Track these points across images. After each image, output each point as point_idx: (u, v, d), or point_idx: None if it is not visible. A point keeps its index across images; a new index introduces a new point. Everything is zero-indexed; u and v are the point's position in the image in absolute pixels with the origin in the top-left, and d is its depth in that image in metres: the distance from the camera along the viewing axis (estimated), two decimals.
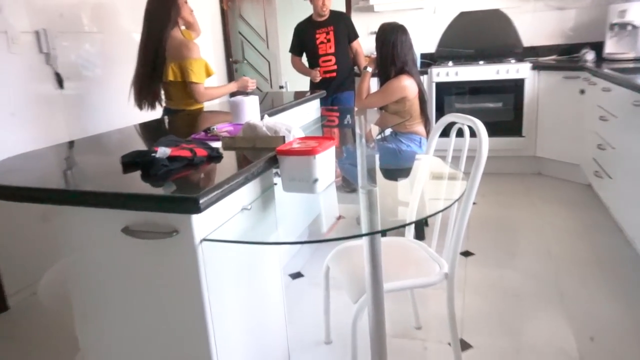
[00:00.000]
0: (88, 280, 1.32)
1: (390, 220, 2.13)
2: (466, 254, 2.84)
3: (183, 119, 2.56)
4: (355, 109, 3.29)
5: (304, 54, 3.99)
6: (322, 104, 3.45)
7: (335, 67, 3.84)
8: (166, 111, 2.82)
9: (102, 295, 1.32)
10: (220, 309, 1.24)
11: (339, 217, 1.85)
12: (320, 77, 3.87)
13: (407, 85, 2.83)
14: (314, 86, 3.93)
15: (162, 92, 2.80)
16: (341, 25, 3.81)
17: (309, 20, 3.94)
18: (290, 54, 4.05)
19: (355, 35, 3.91)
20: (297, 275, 2.73)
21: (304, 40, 3.90)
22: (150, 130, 2.25)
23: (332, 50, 3.81)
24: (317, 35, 3.83)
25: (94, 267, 1.30)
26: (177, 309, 1.23)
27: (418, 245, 1.95)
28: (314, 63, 3.91)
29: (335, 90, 3.47)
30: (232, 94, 2.82)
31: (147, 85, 2.70)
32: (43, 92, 2.77)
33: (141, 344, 1.31)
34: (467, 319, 2.20)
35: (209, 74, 2.77)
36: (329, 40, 3.81)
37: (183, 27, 2.83)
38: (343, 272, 1.79)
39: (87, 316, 1.36)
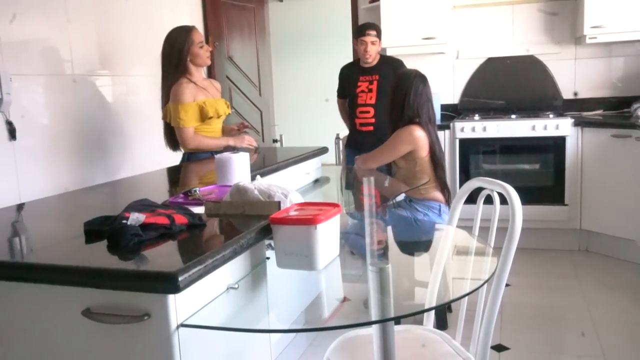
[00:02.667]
0: None
1: (405, 304, 2.14)
2: (499, 348, 2.81)
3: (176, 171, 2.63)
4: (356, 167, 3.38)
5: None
6: (349, 162, 3.65)
7: (373, 120, 3.95)
8: (185, 156, 3.15)
9: None
10: None
11: (344, 300, 1.86)
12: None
13: (418, 136, 2.91)
14: (350, 142, 4.15)
15: None
16: (389, 74, 3.86)
17: (354, 64, 4.16)
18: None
19: None
20: None
21: (346, 85, 4.13)
22: (122, 189, 2.30)
23: (373, 101, 3.95)
24: (360, 83, 4.01)
25: (44, 356, 1.30)
26: None
27: (439, 337, 1.94)
28: (351, 113, 4.10)
29: (371, 148, 3.55)
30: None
31: (168, 127, 3.13)
32: None
33: None
34: None
35: (206, 115, 3.00)
36: (370, 90, 3.96)
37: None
38: None
39: None
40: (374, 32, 3.93)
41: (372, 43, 3.91)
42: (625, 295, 3.45)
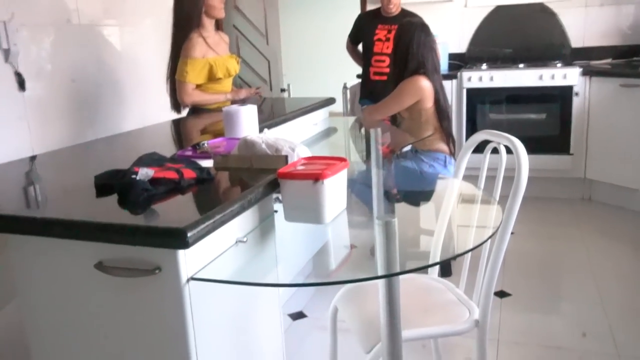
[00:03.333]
0: (52, 323, 1.34)
1: (410, 251, 2.15)
2: (501, 294, 2.84)
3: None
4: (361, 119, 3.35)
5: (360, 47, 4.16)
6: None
7: (387, 70, 3.91)
8: (191, 111, 3.08)
9: (68, 341, 1.34)
10: (208, 358, 1.26)
11: (351, 248, 1.86)
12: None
13: (423, 86, 2.86)
14: (363, 91, 4.10)
15: None
16: None
17: (375, 12, 4.09)
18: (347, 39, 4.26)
19: None
20: (298, 315, 2.75)
21: (363, 31, 4.07)
22: (131, 142, 2.29)
23: (389, 50, 3.89)
24: (377, 31, 3.96)
25: (59, 308, 1.32)
26: (157, 357, 1.25)
27: (443, 285, 1.96)
28: (366, 60, 4.06)
29: (384, 97, 3.54)
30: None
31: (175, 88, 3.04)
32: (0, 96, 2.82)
33: None
34: None
35: (215, 75, 2.94)
36: (387, 39, 3.90)
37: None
38: (354, 316, 1.80)
39: None
40: None
41: None
42: (626, 244, 3.45)
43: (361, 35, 4.10)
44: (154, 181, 1.39)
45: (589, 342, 2.41)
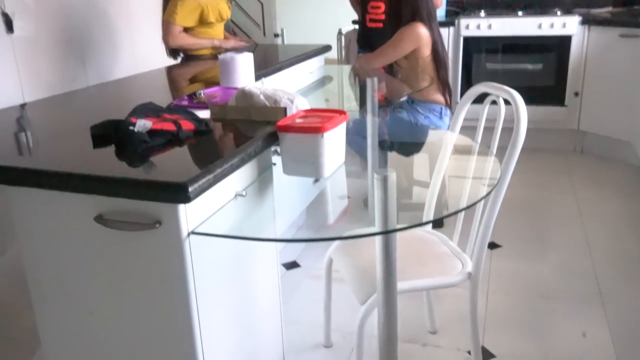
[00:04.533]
0: (52, 275, 1.35)
1: (405, 203, 2.17)
2: (491, 245, 2.89)
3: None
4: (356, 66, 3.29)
5: None
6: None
7: (383, 17, 3.81)
8: (184, 57, 3.04)
9: (68, 294, 1.36)
10: (207, 310, 1.28)
11: (347, 201, 1.88)
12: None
13: (421, 33, 2.82)
14: (360, 38, 4.00)
15: None
16: None
17: None
18: None
19: None
20: (292, 265, 2.79)
21: None
22: (125, 89, 2.26)
23: None
24: None
25: (59, 260, 1.33)
26: (158, 309, 1.27)
27: (437, 238, 1.99)
28: (362, 7, 3.94)
29: (380, 45, 3.47)
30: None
31: None
32: None
33: (115, 346, 1.36)
34: (490, 323, 2.27)
35: (206, 19, 2.88)
36: None
37: None
38: (349, 267, 1.83)
39: (48, 311, 1.40)
40: None
41: None
42: (615, 193, 3.50)
43: None
44: (151, 133, 1.38)
45: (575, 287, 2.48)
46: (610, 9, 4.44)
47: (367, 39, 3.88)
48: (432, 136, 2.85)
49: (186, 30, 2.88)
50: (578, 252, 2.81)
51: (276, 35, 4.89)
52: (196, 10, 2.84)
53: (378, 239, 1.45)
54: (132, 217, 1.19)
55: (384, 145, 2.37)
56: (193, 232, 1.19)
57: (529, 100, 1.74)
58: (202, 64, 2.82)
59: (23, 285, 1.43)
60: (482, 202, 1.77)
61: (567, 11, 4.24)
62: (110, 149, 1.39)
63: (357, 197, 1.89)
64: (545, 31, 4.08)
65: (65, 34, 3.17)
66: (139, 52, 3.63)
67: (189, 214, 1.18)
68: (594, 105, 4.10)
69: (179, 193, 1.12)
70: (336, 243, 1.96)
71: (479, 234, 1.76)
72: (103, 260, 1.28)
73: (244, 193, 1.36)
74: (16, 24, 2.86)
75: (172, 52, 3.01)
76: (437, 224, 2.89)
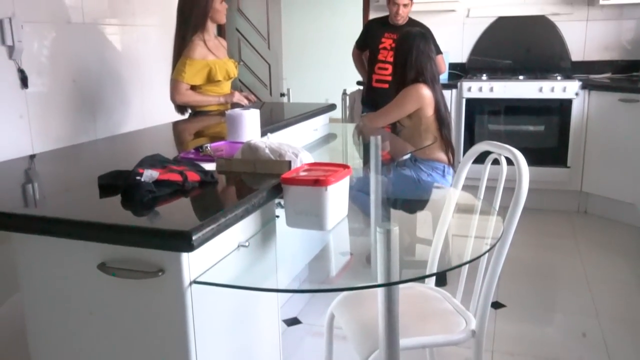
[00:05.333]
0: (53, 322, 1.35)
1: (408, 260, 2.16)
2: (496, 305, 2.86)
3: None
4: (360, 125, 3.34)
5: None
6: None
7: (389, 78, 3.93)
8: (192, 113, 3.10)
9: (69, 341, 1.34)
10: None
11: (350, 257, 1.87)
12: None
13: (424, 93, 2.89)
14: (365, 98, 4.15)
15: None
16: None
17: (383, 20, 4.13)
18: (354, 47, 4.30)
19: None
20: (293, 321, 2.75)
21: (370, 37, 4.10)
22: (133, 142, 2.30)
23: (392, 59, 3.92)
24: (384, 39, 4.00)
25: (61, 307, 1.32)
26: (157, 358, 1.26)
27: (440, 294, 1.97)
28: (370, 67, 4.11)
29: (385, 104, 3.58)
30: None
31: None
32: (2, 93, 2.82)
33: None
34: None
35: (214, 77, 2.97)
36: (392, 48, 3.92)
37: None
38: (351, 323, 1.81)
39: None
40: None
41: (405, 5, 3.91)
42: (621, 257, 3.48)
43: (369, 41, 4.13)
44: (158, 183, 1.40)
45: (583, 353, 2.42)
46: (609, 74, 4.55)
47: (372, 98, 3.98)
48: (435, 193, 2.87)
49: (194, 88, 2.96)
50: (585, 316, 2.76)
51: (282, 95, 5.00)
52: (204, 69, 2.93)
53: (380, 293, 1.44)
54: (135, 265, 1.19)
55: (388, 202, 2.39)
56: (195, 282, 1.19)
57: (531, 161, 1.76)
58: (209, 119, 2.88)
59: (19, 339, 1.42)
60: (486, 260, 1.77)
61: (567, 76, 4.34)
62: (117, 199, 1.40)
63: (360, 253, 1.89)
64: (546, 94, 4.16)
65: (78, 90, 3.26)
66: (147, 108, 3.72)
67: (192, 263, 1.18)
68: (596, 167, 4.14)
69: (182, 241, 1.12)
70: (338, 298, 1.95)
71: (483, 291, 1.75)
72: (105, 308, 1.27)
73: (246, 244, 1.37)
74: (31, 81, 2.95)
75: (180, 108, 3.08)
76: (441, 282, 2.87)
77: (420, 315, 1.84)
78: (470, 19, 4.86)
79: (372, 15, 4.91)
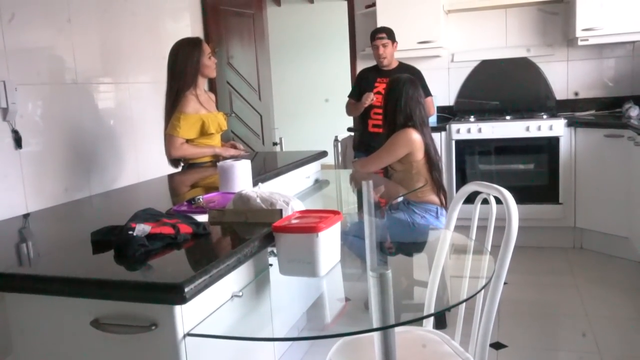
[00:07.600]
0: None
1: (405, 303, 2.15)
2: (497, 345, 2.82)
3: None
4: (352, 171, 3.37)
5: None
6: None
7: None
8: (185, 166, 3.12)
9: None
10: None
11: (346, 302, 1.86)
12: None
13: (413, 138, 2.93)
14: (359, 144, 4.20)
15: None
16: None
17: (373, 67, 4.24)
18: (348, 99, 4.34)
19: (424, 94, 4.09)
20: None
21: (363, 86, 4.18)
22: (127, 197, 2.31)
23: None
24: (377, 84, 4.08)
25: None
26: None
27: (439, 337, 1.95)
28: (365, 114, 4.15)
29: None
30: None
31: None
32: None
33: None
34: None
35: (207, 130, 3.01)
36: None
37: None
38: None
39: None
40: (383, 35, 4.02)
41: (384, 45, 4.01)
42: (619, 291, 3.46)
43: (363, 88, 4.18)
44: (150, 237, 1.41)
45: None
46: (593, 111, 4.63)
47: (368, 143, 4.00)
48: (429, 235, 2.87)
49: (187, 141, 2.99)
50: (588, 353, 2.72)
51: (275, 144, 5.05)
52: (197, 123, 2.97)
53: (377, 337, 1.43)
54: (128, 320, 1.19)
55: (383, 247, 2.39)
56: (189, 334, 1.18)
57: (524, 199, 1.79)
58: (202, 171, 2.90)
59: None
60: (482, 300, 1.76)
61: (553, 115, 4.42)
62: (109, 254, 1.40)
63: (359, 299, 1.88)
64: (534, 133, 4.22)
65: (72, 149, 3.29)
66: (141, 163, 3.74)
67: (185, 316, 1.18)
68: (588, 202, 4.16)
69: (175, 294, 1.12)
70: (336, 346, 1.92)
71: (480, 331, 1.74)
72: None
73: (240, 294, 1.37)
74: (25, 141, 2.98)
75: (173, 161, 3.11)
76: (440, 324, 2.84)
77: (418, 358, 1.81)
78: (455, 63, 4.97)
79: (359, 64, 5.02)
